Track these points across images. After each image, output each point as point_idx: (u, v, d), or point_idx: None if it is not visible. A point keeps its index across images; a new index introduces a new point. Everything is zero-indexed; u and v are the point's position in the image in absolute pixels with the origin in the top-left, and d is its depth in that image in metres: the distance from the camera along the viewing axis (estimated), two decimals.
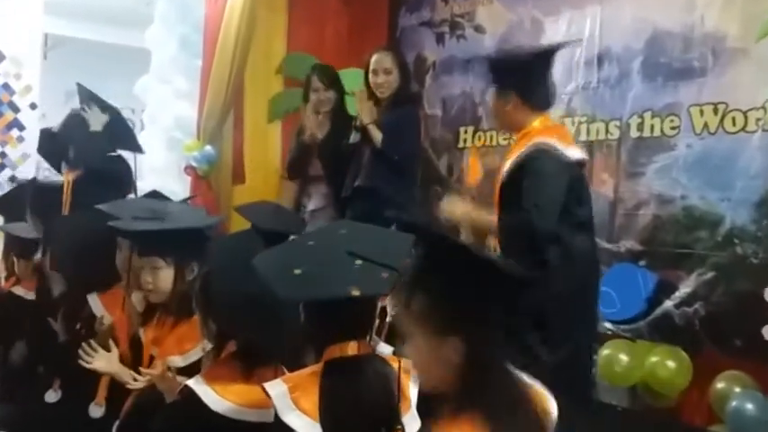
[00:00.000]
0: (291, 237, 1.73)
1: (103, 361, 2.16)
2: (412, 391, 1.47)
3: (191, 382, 1.65)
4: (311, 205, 3.96)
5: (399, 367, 1.42)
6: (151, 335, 2.22)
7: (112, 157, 3.00)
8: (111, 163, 2.95)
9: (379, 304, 1.75)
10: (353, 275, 1.42)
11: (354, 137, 3.74)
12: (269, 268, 1.47)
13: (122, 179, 2.94)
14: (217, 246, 1.81)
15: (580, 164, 2.39)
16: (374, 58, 3.66)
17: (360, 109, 3.67)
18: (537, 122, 2.26)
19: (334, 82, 3.91)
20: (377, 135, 3.61)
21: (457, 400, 1.24)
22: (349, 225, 1.62)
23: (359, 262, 1.42)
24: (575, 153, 2.37)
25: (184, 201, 3.10)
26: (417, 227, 1.32)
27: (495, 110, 2.33)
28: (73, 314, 2.52)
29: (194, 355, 2.07)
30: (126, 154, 3.06)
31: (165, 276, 2.22)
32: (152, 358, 2.17)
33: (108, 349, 2.20)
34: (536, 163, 2.18)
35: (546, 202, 2.20)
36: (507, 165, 2.21)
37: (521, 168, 2.19)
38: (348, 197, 3.54)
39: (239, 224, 3.49)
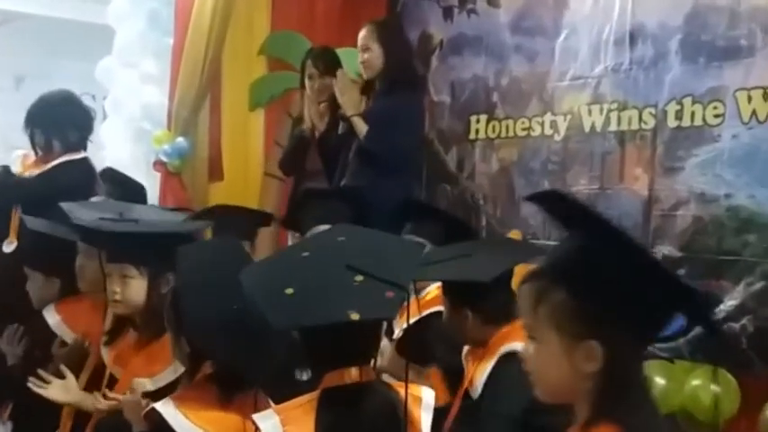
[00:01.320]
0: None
1: (59, 390, 2.15)
2: (424, 420, 1.48)
3: (158, 405, 1.66)
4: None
5: (406, 394, 1.44)
6: (114, 354, 2.23)
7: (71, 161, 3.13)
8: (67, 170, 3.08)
9: (384, 323, 1.78)
10: (352, 296, 1.42)
11: (343, 128, 3.80)
12: (257, 287, 1.47)
13: (81, 185, 3.06)
14: (188, 254, 1.79)
15: None
16: (360, 34, 3.71)
17: (341, 97, 3.69)
18: (501, 332, 2.23)
19: (330, 67, 3.91)
20: (361, 127, 3.64)
21: (588, 414, 1.24)
22: (349, 231, 1.62)
23: (359, 278, 1.43)
24: None
25: (173, 211, 3.13)
26: (575, 204, 1.28)
27: (451, 325, 2.30)
28: (31, 332, 2.56)
29: (165, 377, 2.08)
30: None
31: (136, 287, 2.22)
32: (114, 381, 2.18)
33: (76, 373, 2.22)
34: (506, 373, 2.15)
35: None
36: (478, 377, 2.19)
37: (494, 379, 2.18)
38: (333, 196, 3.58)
39: None
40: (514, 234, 3.90)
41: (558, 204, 1.29)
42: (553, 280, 1.24)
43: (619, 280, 1.20)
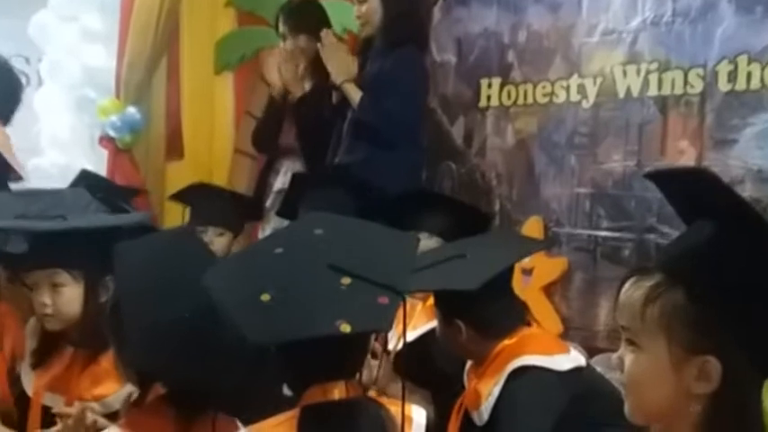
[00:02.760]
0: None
1: None
2: None
3: None
4: (279, 183, 4.03)
5: (403, 416, 1.47)
6: (46, 379, 2.20)
7: None
8: None
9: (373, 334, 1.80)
10: (340, 303, 1.44)
11: (337, 97, 3.86)
12: (227, 292, 1.48)
13: None
14: (127, 253, 1.76)
15: (579, 371, 2.31)
16: None
17: (328, 63, 3.72)
18: (502, 344, 2.27)
19: (311, 23, 3.93)
20: (354, 95, 3.70)
21: None
22: (326, 222, 1.63)
23: (346, 280, 1.44)
24: (566, 361, 2.31)
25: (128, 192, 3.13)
26: (715, 185, 1.25)
27: (445, 339, 2.35)
28: None
29: (115, 401, 2.09)
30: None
31: (70, 296, 2.23)
32: (46, 412, 2.14)
33: None
34: (519, 394, 2.18)
35: None
36: (484, 400, 2.20)
37: (507, 402, 2.20)
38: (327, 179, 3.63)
39: (176, 217, 3.64)
40: (534, 222, 3.88)
41: (687, 185, 1.27)
42: (671, 278, 1.24)
43: (758, 285, 1.19)
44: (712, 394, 1.23)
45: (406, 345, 1.89)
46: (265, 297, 1.43)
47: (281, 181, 4.06)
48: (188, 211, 3.57)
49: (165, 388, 1.73)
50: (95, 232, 2.19)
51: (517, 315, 2.32)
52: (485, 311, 2.20)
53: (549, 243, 3.58)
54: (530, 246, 2.72)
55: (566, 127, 3.86)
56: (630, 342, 1.28)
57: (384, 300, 1.44)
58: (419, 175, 3.85)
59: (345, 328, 1.40)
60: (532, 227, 3.86)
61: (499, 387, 2.17)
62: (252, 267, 1.54)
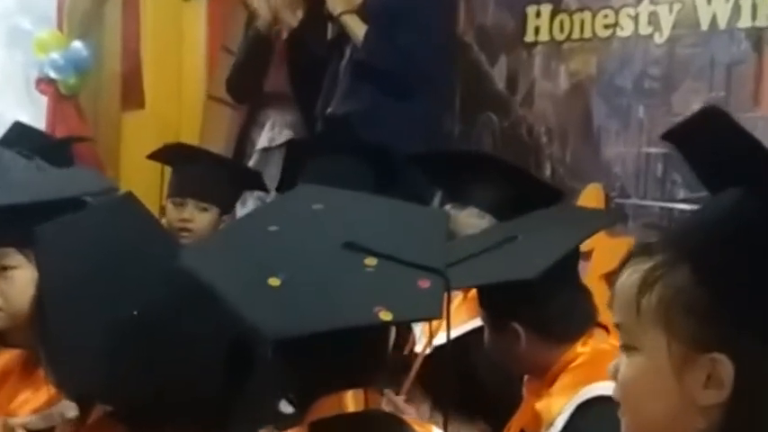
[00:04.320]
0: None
1: None
2: None
3: None
4: (264, 140, 4.09)
5: None
6: None
7: None
8: None
9: (393, 329, 1.75)
10: (372, 287, 1.47)
11: (333, 31, 3.89)
12: (222, 277, 1.50)
13: None
14: (53, 238, 1.74)
15: None
16: None
17: None
18: (572, 352, 2.29)
19: None
20: (357, 30, 3.73)
21: None
22: (324, 195, 1.68)
23: (371, 262, 1.47)
24: None
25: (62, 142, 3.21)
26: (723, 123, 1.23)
27: (497, 349, 2.38)
28: None
29: (56, 415, 2.10)
30: None
31: (21, 283, 2.25)
32: None
33: None
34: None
35: None
36: (544, 430, 2.24)
37: None
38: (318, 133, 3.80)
39: (139, 185, 3.54)
40: (592, 190, 3.80)
41: (706, 142, 1.24)
42: (674, 257, 1.22)
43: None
44: (725, 405, 1.19)
45: (448, 344, 1.83)
46: (274, 282, 1.45)
47: (266, 137, 4.11)
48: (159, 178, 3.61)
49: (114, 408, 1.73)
50: (55, 205, 2.17)
51: (588, 312, 2.32)
52: (549, 308, 2.22)
53: (614, 218, 3.48)
54: (596, 221, 2.68)
55: (633, 68, 3.81)
56: (626, 346, 1.26)
57: (425, 283, 1.46)
58: (438, 131, 3.82)
59: (386, 315, 1.43)
60: (590, 197, 3.79)
61: (564, 419, 2.15)
62: (246, 247, 1.58)
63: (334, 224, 1.57)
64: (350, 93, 3.71)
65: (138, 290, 1.59)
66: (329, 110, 3.76)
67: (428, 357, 2.56)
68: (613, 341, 2.20)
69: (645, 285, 1.22)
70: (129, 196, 1.88)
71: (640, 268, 1.23)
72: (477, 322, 2.45)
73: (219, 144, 4.44)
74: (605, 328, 2.28)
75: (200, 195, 3.44)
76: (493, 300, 2.28)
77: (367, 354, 1.59)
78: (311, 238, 1.55)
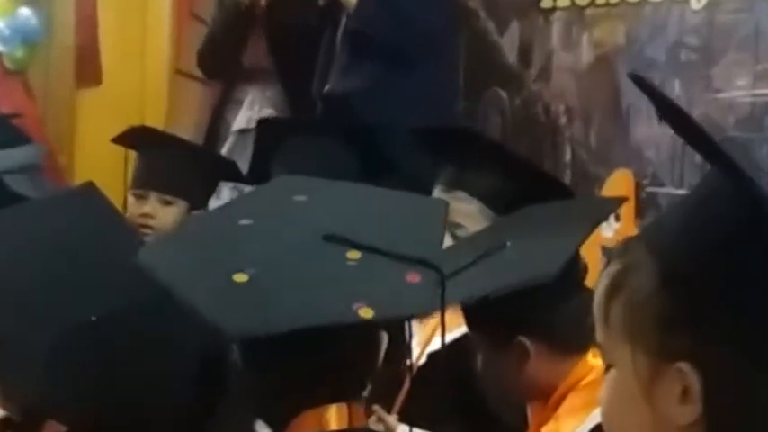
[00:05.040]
0: None
1: None
2: None
3: None
4: (241, 120, 4.05)
5: None
6: None
7: None
8: None
9: (384, 337, 1.75)
10: (352, 282, 1.48)
11: None
12: (183, 273, 1.52)
13: None
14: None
15: None
16: None
17: None
18: (584, 365, 2.29)
19: None
20: None
21: None
22: (310, 185, 1.70)
23: (354, 255, 1.48)
24: None
25: None
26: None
27: (498, 373, 2.36)
28: None
29: None
30: None
31: None
32: None
33: None
34: None
35: None
36: None
37: None
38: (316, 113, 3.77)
39: (98, 173, 3.43)
40: (621, 177, 3.76)
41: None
42: (641, 257, 1.21)
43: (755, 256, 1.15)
44: (702, 423, 1.18)
45: (443, 347, 1.88)
46: (240, 277, 1.46)
47: (244, 117, 4.06)
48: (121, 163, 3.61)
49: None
50: None
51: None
52: (559, 315, 2.19)
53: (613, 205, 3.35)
54: (603, 207, 2.67)
55: (667, 37, 3.77)
56: (605, 362, 1.27)
57: (414, 277, 1.47)
58: (451, 110, 3.77)
59: (366, 312, 1.43)
60: (618, 184, 3.73)
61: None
62: (211, 241, 1.60)
63: (315, 216, 1.58)
64: (349, 68, 3.68)
65: (96, 292, 1.58)
66: (327, 88, 3.70)
67: (422, 368, 2.57)
68: None
69: (612, 291, 1.22)
70: (89, 187, 1.86)
71: (611, 272, 1.24)
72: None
73: (188, 125, 4.41)
74: None
75: (164, 187, 3.38)
76: (496, 313, 2.19)
77: (350, 362, 1.60)
78: (287, 232, 1.56)
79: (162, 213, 3.32)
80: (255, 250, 1.54)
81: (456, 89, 3.88)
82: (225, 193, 3.88)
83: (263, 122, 3.60)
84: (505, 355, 2.20)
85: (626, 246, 1.25)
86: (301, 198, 1.64)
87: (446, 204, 2.21)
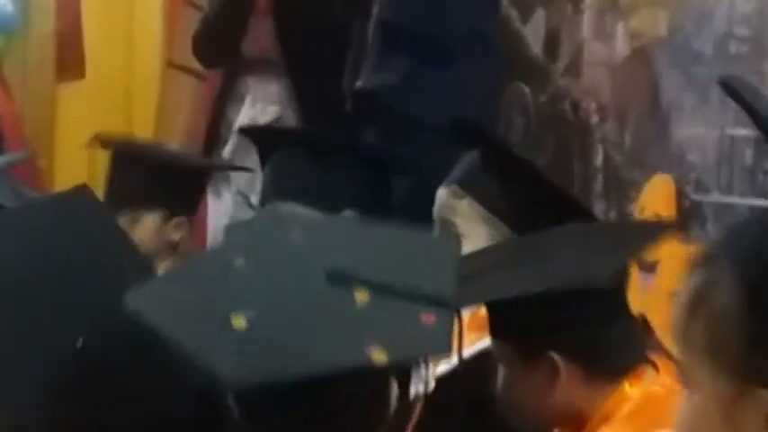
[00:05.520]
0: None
1: None
2: None
3: None
4: (244, 119, 4.01)
5: None
6: None
7: None
8: None
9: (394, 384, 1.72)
10: (364, 323, 1.48)
11: None
12: (175, 317, 1.52)
13: None
14: None
15: None
16: None
17: None
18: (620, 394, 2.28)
19: None
20: None
21: None
22: (306, 222, 1.74)
23: (362, 296, 1.48)
24: None
25: None
26: None
27: (521, 393, 2.34)
28: None
29: None
30: None
31: None
32: None
33: None
34: None
35: None
36: None
37: None
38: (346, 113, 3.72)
39: (81, 175, 3.64)
40: (660, 183, 3.66)
41: None
42: (724, 269, 1.23)
43: None
44: None
45: (459, 369, 1.83)
46: (238, 322, 1.45)
47: (246, 115, 3.98)
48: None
49: None
50: None
51: (638, 343, 2.31)
52: (596, 334, 2.18)
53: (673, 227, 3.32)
54: (647, 233, 2.59)
55: (714, 28, 3.69)
56: (682, 382, 1.28)
57: (429, 318, 1.47)
58: (490, 110, 3.72)
59: (380, 355, 1.43)
60: (657, 191, 3.65)
61: None
62: (205, 284, 1.58)
63: (316, 255, 1.56)
64: (380, 62, 3.65)
65: (85, 312, 1.58)
66: (358, 83, 3.63)
67: (432, 395, 2.60)
68: (666, 381, 2.21)
69: (693, 306, 1.24)
70: (83, 190, 1.85)
71: (692, 285, 1.25)
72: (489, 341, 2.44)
73: (181, 123, 4.43)
74: (655, 365, 2.26)
75: (130, 204, 3.28)
76: (526, 320, 2.14)
77: (360, 411, 1.57)
78: (287, 272, 1.55)
79: (134, 232, 3.22)
80: (253, 292, 1.53)
81: (496, 87, 3.79)
82: (226, 196, 3.93)
83: (246, 131, 3.55)
84: (532, 373, 2.16)
85: (707, 256, 1.26)
86: (297, 236, 1.61)
87: (457, 240, 2.19)
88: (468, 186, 2.74)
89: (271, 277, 1.56)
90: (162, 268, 2.88)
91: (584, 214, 2.81)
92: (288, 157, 3.13)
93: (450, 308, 1.51)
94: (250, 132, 3.53)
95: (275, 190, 3.05)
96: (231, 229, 2.23)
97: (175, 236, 3.31)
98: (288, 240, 1.62)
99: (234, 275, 1.57)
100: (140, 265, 1.72)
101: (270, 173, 3.13)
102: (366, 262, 1.57)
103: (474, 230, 2.65)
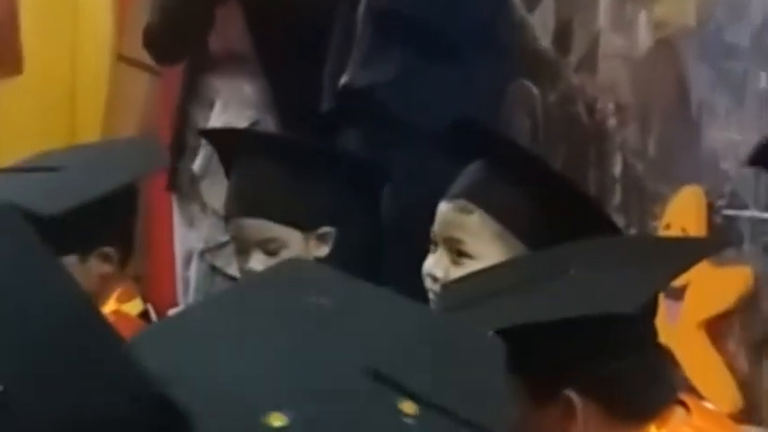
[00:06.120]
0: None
1: None
2: None
3: None
4: (216, 123, 3.97)
5: None
6: None
7: None
8: None
9: None
10: None
11: None
12: (203, 409, 1.41)
13: None
14: None
15: None
16: None
17: None
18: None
19: None
20: None
21: None
22: (328, 283, 1.64)
23: (409, 408, 1.41)
24: None
25: None
26: None
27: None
28: None
29: None
30: None
31: None
32: None
33: None
34: None
35: None
36: None
37: None
38: (328, 114, 3.64)
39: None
40: (689, 196, 3.57)
41: None
42: None
43: None
44: None
45: None
46: (277, 421, 1.35)
47: (219, 120, 3.88)
48: None
49: None
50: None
51: (667, 381, 2.30)
52: (620, 370, 2.17)
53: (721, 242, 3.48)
54: (693, 251, 2.59)
55: (750, 18, 3.61)
56: None
57: None
58: (496, 111, 3.71)
59: None
60: (686, 205, 3.57)
61: None
62: (217, 358, 1.48)
63: (347, 332, 1.50)
64: (374, 56, 3.57)
65: (9, 352, 1.37)
66: (345, 79, 3.57)
67: None
68: (698, 423, 2.24)
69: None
70: (8, 210, 1.60)
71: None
72: None
73: (134, 125, 4.44)
74: (685, 404, 2.24)
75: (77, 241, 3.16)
76: (537, 355, 2.12)
77: None
78: (323, 354, 1.46)
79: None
80: (288, 380, 1.43)
81: (500, 85, 3.75)
82: (201, 220, 3.86)
83: (207, 134, 3.50)
84: (544, 413, 2.14)
85: None
86: (324, 301, 1.53)
87: (502, 345, 2.01)
88: (479, 198, 2.69)
89: (290, 357, 1.45)
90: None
91: (613, 228, 2.81)
92: (257, 166, 3.07)
93: None
94: (212, 136, 3.45)
95: (241, 204, 3.04)
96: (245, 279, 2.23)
97: (101, 269, 3.21)
98: (311, 305, 1.53)
99: (239, 350, 1.47)
100: (72, 299, 1.48)
101: (235, 183, 3.08)
102: (406, 354, 1.49)
103: (486, 250, 2.64)
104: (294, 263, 1.82)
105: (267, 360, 1.43)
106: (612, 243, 2.79)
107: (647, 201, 3.68)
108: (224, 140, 3.31)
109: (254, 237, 2.91)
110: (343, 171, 3.11)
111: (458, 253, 2.58)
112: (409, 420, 1.35)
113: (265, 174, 3.06)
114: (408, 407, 1.35)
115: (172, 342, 1.54)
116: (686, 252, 2.50)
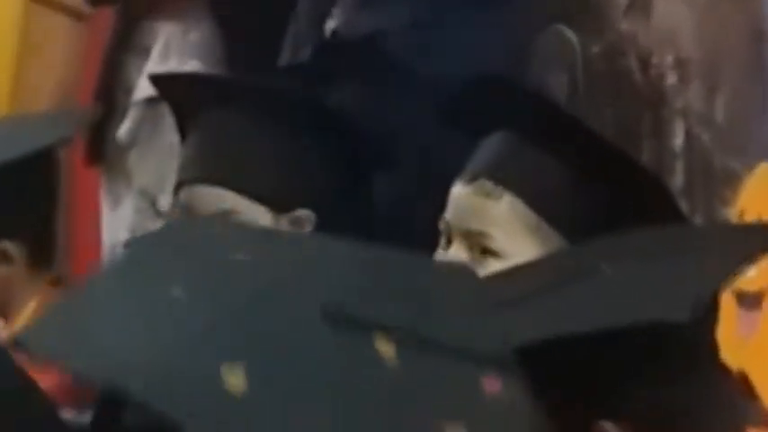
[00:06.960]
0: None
1: None
2: None
3: None
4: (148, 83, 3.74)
5: None
6: None
7: None
8: None
9: None
10: (407, 393, 1.56)
11: None
12: (125, 368, 1.47)
13: None
14: None
15: None
16: None
17: None
18: None
19: None
20: None
21: None
22: (253, 237, 1.80)
23: (385, 348, 1.55)
24: None
25: None
26: None
27: None
28: None
29: None
30: None
31: None
32: None
33: None
34: None
35: None
36: None
37: None
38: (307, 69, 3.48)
39: None
40: (766, 174, 3.46)
41: None
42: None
43: None
44: None
45: None
46: (234, 380, 1.41)
47: (157, 64, 3.88)
48: None
49: None
50: None
51: (734, 406, 2.26)
52: (682, 396, 2.14)
53: None
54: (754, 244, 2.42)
55: None
56: None
57: (494, 384, 1.55)
58: (523, 66, 3.60)
59: (455, 429, 1.47)
60: (763, 187, 3.44)
61: None
62: (153, 325, 1.51)
63: (294, 282, 1.56)
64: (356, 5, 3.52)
65: None
66: (334, 23, 3.46)
67: None
68: None
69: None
70: None
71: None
72: None
73: (53, 79, 4.42)
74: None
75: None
76: (567, 377, 2.07)
77: None
78: (274, 304, 1.54)
79: None
80: (242, 332, 1.51)
81: (535, 33, 3.60)
82: (127, 202, 3.79)
83: (157, 80, 3.30)
84: None
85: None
86: (244, 252, 1.62)
87: (471, 271, 2.07)
88: (509, 179, 2.60)
89: (259, 315, 1.51)
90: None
91: (677, 215, 2.72)
92: (223, 122, 2.94)
93: (510, 368, 1.54)
94: (163, 83, 3.23)
95: (196, 168, 2.92)
96: (139, 242, 2.11)
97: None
98: (234, 261, 1.58)
99: (168, 308, 1.50)
100: None
101: (192, 143, 2.94)
102: (378, 299, 1.56)
103: (518, 247, 2.55)
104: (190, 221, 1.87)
105: (215, 320, 1.46)
106: (661, 235, 2.47)
107: (716, 181, 3.56)
108: (180, 89, 3.16)
109: (208, 208, 2.80)
110: (332, 140, 2.96)
111: (481, 250, 2.48)
112: (390, 363, 1.44)
113: (232, 132, 2.95)
114: (384, 346, 1.43)
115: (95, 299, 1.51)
116: (756, 242, 2.25)
